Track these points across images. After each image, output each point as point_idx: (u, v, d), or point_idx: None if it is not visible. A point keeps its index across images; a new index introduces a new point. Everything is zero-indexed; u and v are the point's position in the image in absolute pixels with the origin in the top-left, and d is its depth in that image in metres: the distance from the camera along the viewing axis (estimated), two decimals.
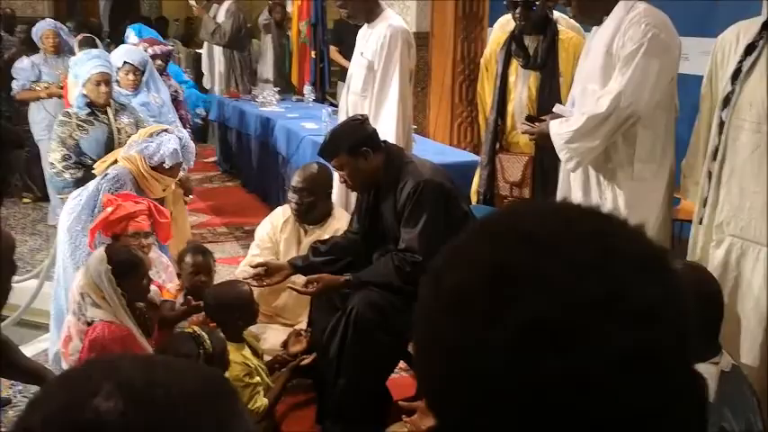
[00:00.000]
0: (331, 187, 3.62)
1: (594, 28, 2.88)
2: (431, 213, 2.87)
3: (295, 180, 3.55)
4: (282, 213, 3.76)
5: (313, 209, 3.54)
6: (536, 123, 2.96)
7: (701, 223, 2.50)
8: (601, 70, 2.72)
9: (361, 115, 3.19)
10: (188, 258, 3.29)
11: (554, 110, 3.04)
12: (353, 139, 2.98)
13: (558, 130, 2.79)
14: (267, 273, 3.16)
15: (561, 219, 0.63)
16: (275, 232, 3.72)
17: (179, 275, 3.37)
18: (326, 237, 3.39)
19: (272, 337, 3.39)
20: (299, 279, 3.14)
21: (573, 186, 2.96)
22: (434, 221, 2.86)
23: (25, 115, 5.92)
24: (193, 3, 7.63)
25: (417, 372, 0.66)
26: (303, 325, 3.31)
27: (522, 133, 3.02)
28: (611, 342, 0.56)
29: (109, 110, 3.96)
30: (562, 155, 2.82)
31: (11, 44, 7.67)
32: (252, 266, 3.30)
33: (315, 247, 3.23)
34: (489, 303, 0.58)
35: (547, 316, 0.56)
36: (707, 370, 1.82)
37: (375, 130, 3.12)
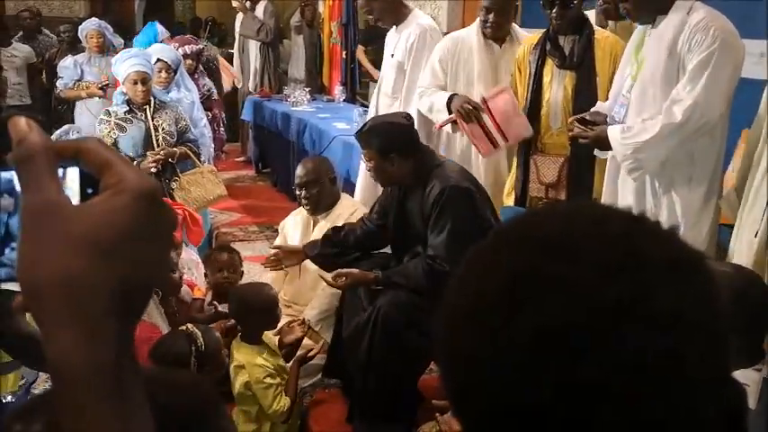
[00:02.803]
0: (333, 173, 3.66)
1: (638, 28, 2.84)
2: (457, 218, 2.85)
3: (297, 176, 3.61)
4: (287, 219, 3.88)
5: (321, 199, 3.59)
6: (589, 126, 2.89)
7: (755, 236, 2.43)
8: (663, 73, 2.67)
9: (407, 116, 3.17)
10: (213, 256, 3.31)
11: (596, 109, 3.00)
12: (387, 142, 2.97)
13: (624, 140, 2.72)
14: (282, 257, 3.29)
15: (587, 220, 0.62)
16: (284, 235, 3.82)
17: (206, 275, 3.39)
18: (338, 222, 3.43)
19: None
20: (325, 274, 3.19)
21: (623, 192, 2.90)
22: (461, 227, 2.84)
23: (69, 116, 6.00)
24: (237, 0, 7.68)
25: (441, 378, 0.66)
26: (307, 314, 3.36)
27: (574, 136, 2.94)
28: (633, 347, 0.55)
29: (147, 108, 4.01)
30: (626, 164, 2.75)
31: (48, 43, 7.80)
32: (271, 248, 3.43)
33: (327, 236, 3.27)
34: (508, 308, 0.57)
35: (567, 320, 0.55)
36: (749, 376, 1.78)
37: (415, 135, 3.10)
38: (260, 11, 7.56)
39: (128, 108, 4.01)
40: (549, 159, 3.42)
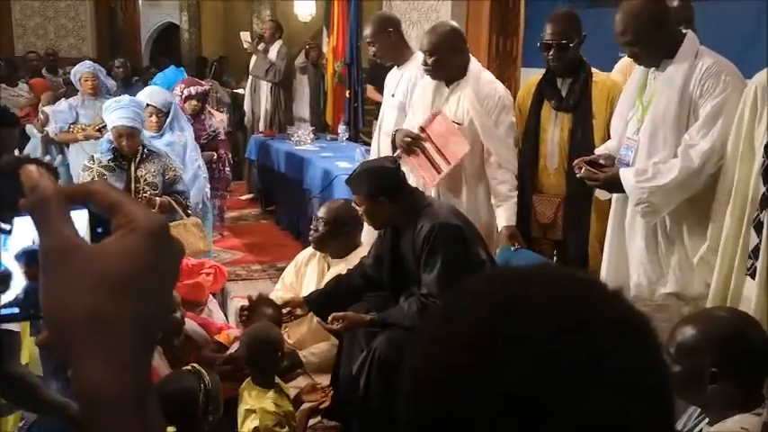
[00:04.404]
0: (352, 225, 3.68)
1: (637, 70, 2.89)
2: (447, 255, 2.88)
3: (320, 210, 3.75)
4: (308, 249, 3.90)
5: (329, 240, 3.66)
6: (598, 168, 2.88)
7: (752, 277, 2.41)
8: (674, 117, 2.70)
9: (394, 160, 3.22)
10: (260, 310, 3.33)
11: (601, 150, 3.02)
12: (374, 186, 3.03)
13: (639, 183, 2.72)
14: (290, 310, 3.30)
15: (540, 285, 0.64)
16: (297, 272, 3.85)
17: (243, 323, 3.39)
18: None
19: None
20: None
21: (632, 235, 2.90)
22: (452, 264, 2.87)
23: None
24: (248, 41, 7.78)
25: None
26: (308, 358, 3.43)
27: (583, 178, 2.93)
28: (586, 410, 0.57)
29: (134, 158, 3.96)
30: (640, 208, 2.75)
31: (56, 85, 7.90)
32: (281, 303, 3.38)
33: (328, 287, 3.34)
34: (466, 373, 0.59)
35: (524, 384, 0.57)
36: (749, 421, 1.76)
37: (402, 177, 3.15)
38: (273, 52, 7.67)
39: (113, 156, 3.96)
40: (545, 199, 3.45)
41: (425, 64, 3.55)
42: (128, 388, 0.49)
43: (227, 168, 5.81)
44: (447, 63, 3.53)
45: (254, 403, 2.74)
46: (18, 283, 0.55)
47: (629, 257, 2.93)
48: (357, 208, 3.20)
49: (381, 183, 3.04)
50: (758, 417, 1.78)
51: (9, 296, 0.55)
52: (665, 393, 0.61)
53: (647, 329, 0.63)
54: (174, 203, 4.05)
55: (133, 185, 3.94)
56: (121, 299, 0.49)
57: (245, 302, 3.34)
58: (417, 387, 0.64)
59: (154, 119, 4.56)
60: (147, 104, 4.54)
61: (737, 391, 1.78)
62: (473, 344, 0.60)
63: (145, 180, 3.97)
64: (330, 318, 3.04)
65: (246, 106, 8.13)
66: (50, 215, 0.51)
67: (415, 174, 3.58)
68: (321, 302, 3.25)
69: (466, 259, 2.91)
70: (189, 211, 4.23)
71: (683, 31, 2.79)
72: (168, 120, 4.64)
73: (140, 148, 4.00)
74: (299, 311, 3.29)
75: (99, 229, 0.54)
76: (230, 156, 5.94)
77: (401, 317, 2.94)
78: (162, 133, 4.60)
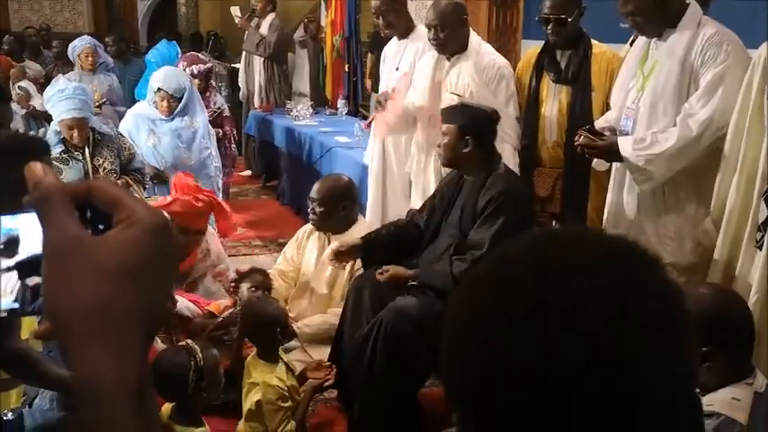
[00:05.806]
0: (347, 200, 3.69)
1: (639, 41, 2.88)
2: (508, 219, 2.90)
3: (312, 191, 3.71)
4: (309, 224, 3.90)
5: (327, 220, 3.64)
6: (597, 137, 2.89)
7: (760, 248, 2.40)
8: (674, 86, 2.70)
9: (495, 111, 3.16)
10: (250, 276, 3.35)
11: (601, 123, 3.02)
12: (469, 123, 3.03)
13: (636, 151, 2.73)
14: (344, 254, 3.27)
15: (560, 247, 0.67)
16: (299, 246, 3.85)
17: (232, 293, 3.40)
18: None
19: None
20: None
21: (628, 205, 2.92)
22: (510, 228, 2.88)
23: None
24: (237, 15, 7.71)
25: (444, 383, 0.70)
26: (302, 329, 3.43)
27: (583, 146, 2.92)
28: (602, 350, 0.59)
29: (86, 147, 3.81)
30: (636, 175, 2.77)
31: (50, 59, 7.85)
32: (334, 250, 3.33)
33: (384, 233, 3.33)
34: (506, 325, 0.62)
35: (546, 350, 0.60)
36: (740, 391, 1.79)
37: (495, 130, 3.13)
38: (265, 26, 7.59)
39: (63, 148, 3.79)
40: (544, 173, 3.46)
41: (437, 38, 3.56)
42: (128, 379, 0.50)
43: (233, 145, 5.75)
44: (455, 36, 3.58)
45: (258, 377, 2.77)
46: (26, 249, 0.56)
47: (627, 227, 2.94)
48: (443, 136, 3.12)
49: (476, 123, 3.05)
50: (749, 386, 1.81)
51: (10, 290, 0.56)
52: (685, 347, 0.64)
53: (672, 287, 0.67)
54: (130, 181, 3.95)
55: (92, 176, 3.77)
56: (123, 289, 0.51)
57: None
58: (448, 356, 0.67)
59: (165, 104, 4.45)
60: (159, 89, 4.44)
61: (730, 365, 1.80)
62: (497, 309, 0.63)
63: (104, 168, 3.84)
64: (377, 271, 3.08)
65: (241, 81, 8.06)
66: (54, 211, 0.52)
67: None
68: (380, 253, 3.25)
69: (522, 230, 2.91)
70: (146, 186, 4.15)
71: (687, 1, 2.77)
72: (181, 105, 4.51)
73: (91, 133, 3.84)
74: (348, 257, 3.29)
75: (100, 226, 0.55)
76: (235, 132, 5.90)
77: (434, 278, 2.97)
78: (172, 117, 4.50)
